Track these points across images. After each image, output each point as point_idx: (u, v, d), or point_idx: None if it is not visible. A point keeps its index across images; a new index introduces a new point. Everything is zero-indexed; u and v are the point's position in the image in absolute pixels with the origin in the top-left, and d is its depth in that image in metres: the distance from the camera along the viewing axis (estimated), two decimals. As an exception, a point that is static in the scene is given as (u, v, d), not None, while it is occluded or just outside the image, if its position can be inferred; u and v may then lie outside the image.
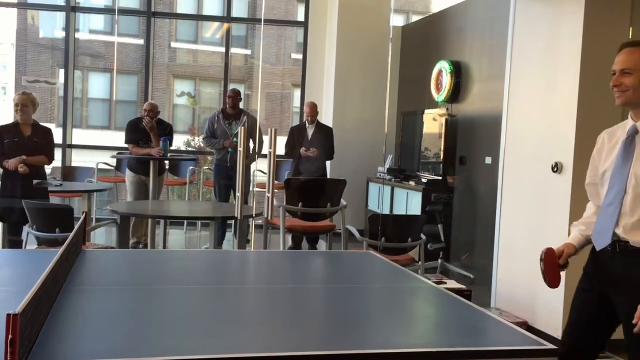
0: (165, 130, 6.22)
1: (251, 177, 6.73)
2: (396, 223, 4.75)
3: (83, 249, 2.89)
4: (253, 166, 6.55)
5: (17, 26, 11.42)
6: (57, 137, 6.58)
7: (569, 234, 2.54)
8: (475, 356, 1.72)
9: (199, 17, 12.06)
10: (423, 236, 4.56)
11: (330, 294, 2.47)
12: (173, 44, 12.37)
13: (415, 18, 10.14)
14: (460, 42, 6.56)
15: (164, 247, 5.83)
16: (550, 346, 1.77)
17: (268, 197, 3.85)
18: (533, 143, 4.33)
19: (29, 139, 4.96)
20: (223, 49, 8.66)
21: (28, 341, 1.49)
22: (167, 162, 6.62)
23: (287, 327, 1.93)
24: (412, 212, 6.24)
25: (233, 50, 9.82)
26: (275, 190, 4.27)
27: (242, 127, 4.14)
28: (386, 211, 6.78)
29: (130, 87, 11.35)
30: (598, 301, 2.35)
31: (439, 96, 6.60)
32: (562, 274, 2.44)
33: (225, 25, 8.68)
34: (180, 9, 12.21)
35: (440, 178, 6.28)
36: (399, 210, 6.63)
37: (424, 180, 6.41)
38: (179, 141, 10.81)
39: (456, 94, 6.41)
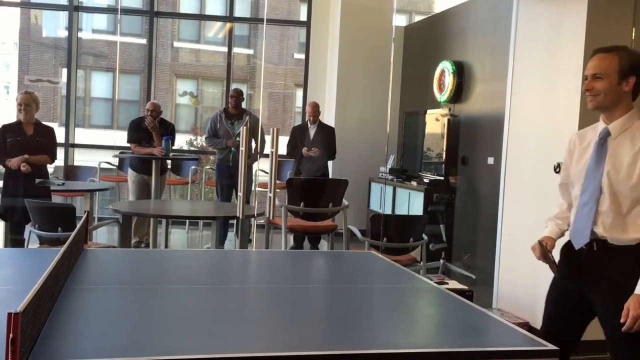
0: (168, 130, 6.23)
1: (253, 177, 6.74)
2: (398, 223, 4.75)
3: (85, 248, 2.89)
4: (255, 166, 6.55)
5: (20, 25, 11.44)
6: (60, 137, 6.58)
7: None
8: (476, 357, 1.72)
9: (201, 17, 12.07)
10: (425, 236, 4.55)
11: (332, 294, 2.47)
12: (176, 44, 12.37)
13: (418, 18, 10.12)
14: (463, 43, 6.55)
15: (166, 246, 5.83)
16: (552, 347, 1.76)
17: (270, 197, 3.85)
18: (535, 143, 4.32)
19: (32, 138, 4.97)
20: (225, 49, 8.67)
21: (29, 340, 1.49)
22: (169, 161, 6.63)
23: (289, 327, 1.93)
24: (414, 213, 6.24)
25: (235, 50, 9.82)
26: (277, 190, 4.27)
27: (245, 127, 4.14)
28: (388, 211, 6.77)
29: (133, 87, 11.37)
30: (574, 297, 2.42)
31: (442, 96, 6.59)
32: None
33: (228, 25, 8.69)
34: (182, 9, 12.22)
35: (442, 178, 6.28)
36: (401, 210, 6.63)
37: (426, 180, 6.40)
38: (181, 141, 10.81)
39: (459, 94, 6.41)
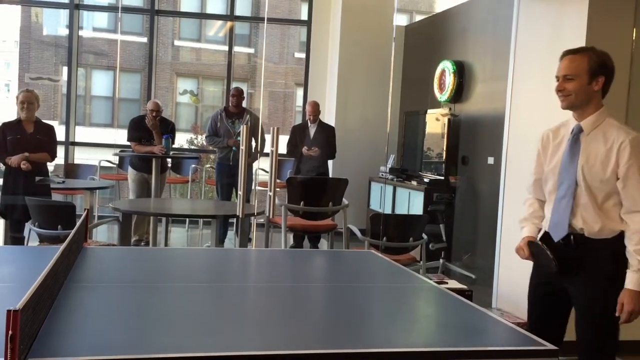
0: (168, 129, 6.22)
1: (253, 176, 6.74)
2: (398, 223, 4.75)
3: (85, 246, 2.89)
4: (255, 165, 6.55)
5: (21, 23, 11.44)
6: (60, 135, 6.59)
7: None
8: (476, 356, 1.72)
9: (202, 16, 12.07)
10: (425, 236, 4.55)
11: (332, 293, 2.47)
12: (176, 42, 12.38)
13: (418, 18, 10.12)
14: (464, 42, 6.55)
15: (166, 245, 5.83)
16: (551, 347, 1.76)
17: (270, 196, 3.85)
18: (535, 143, 4.31)
19: (32, 136, 4.97)
20: (226, 48, 8.67)
21: (28, 337, 1.49)
22: (169, 160, 6.62)
23: (288, 326, 1.93)
24: (414, 212, 6.24)
25: (236, 48, 9.83)
26: (277, 189, 4.27)
27: (245, 126, 4.14)
28: (388, 211, 6.77)
29: (134, 85, 11.37)
30: (556, 293, 2.50)
31: (442, 96, 6.59)
32: None
33: (229, 23, 8.69)
34: (183, 7, 12.23)
35: (442, 178, 6.28)
36: (401, 209, 6.63)
37: (426, 180, 6.40)
38: (181, 139, 10.82)
39: (459, 94, 6.41)
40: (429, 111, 6.78)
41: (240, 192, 4.15)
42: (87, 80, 11.40)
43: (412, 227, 4.53)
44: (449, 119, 6.29)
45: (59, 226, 4.19)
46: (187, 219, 7.33)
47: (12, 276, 2.44)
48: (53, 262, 1.93)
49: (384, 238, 4.32)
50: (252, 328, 1.89)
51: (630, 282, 2.29)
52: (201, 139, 11.07)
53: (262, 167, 6.82)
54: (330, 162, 6.77)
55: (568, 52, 2.46)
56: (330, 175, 6.85)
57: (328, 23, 8.12)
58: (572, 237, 2.39)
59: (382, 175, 7.15)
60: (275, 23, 11.11)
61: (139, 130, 6.15)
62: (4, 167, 5.00)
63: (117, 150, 6.96)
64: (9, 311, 1.35)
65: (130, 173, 6.27)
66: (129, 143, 6.29)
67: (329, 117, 7.69)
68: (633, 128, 3.78)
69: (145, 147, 6.08)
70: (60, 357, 1.50)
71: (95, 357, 1.51)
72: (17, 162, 4.82)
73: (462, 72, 6.39)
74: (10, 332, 1.34)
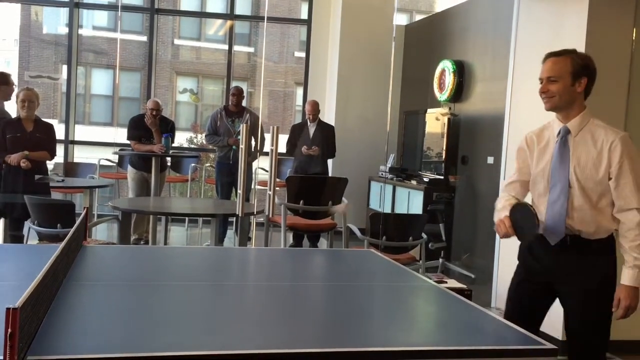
0: (168, 127, 6.22)
1: (253, 175, 6.74)
2: (397, 222, 4.75)
3: (84, 244, 2.89)
4: (255, 164, 6.55)
5: (20, 22, 11.42)
6: (60, 133, 6.58)
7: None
8: (475, 355, 1.72)
9: (202, 15, 12.06)
10: (424, 235, 4.55)
11: (331, 292, 2.47)
12: (176, 41, 12.36)
13: (418, 17, 10.12)
14: (464, 42, 6.55)
15: (165, 243, 5.83)
16: (550, 346, 1.76)
17: (269, 195, 3.85)
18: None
19: (32, 134, 4.96)
20: (226, 47, 8.66)
21: (28, 335, 1.49)
22: (169, 159, 6.62)
23: (288, 325, 1.93)
24: (414, 211, 6.24)
25: (236, 47, 9.82)
26: (277, 188, 4.27)
27: (244, 125, 4.14)
28: (388, 210, 6.77)
29: (133, 84, 11.36)
30: (541, 291, 2.50)
31: (442, 95, 6.59)
32: None
33: (229, 22, 8.69)
34: (183, 6, 12.21)
35: (442, 177, 6.28)
36: (401, 209, 6.63)
37: (425, 179, 6.40)
38: (181, 138, 10.81)
39: (459, 93, 6.40)
40: (428, 111, 6.78)
41: (239, 191, 4.15)
42: (87, 78, 11.38)
43: (412, 227, 4.53)
44: (448, 119, 6.29)
45: (59, 224, 4.19)
46: (187, 218, 7.33)
47: (12, 274, 2.44)
48: (52, 260, 1.93)
49: (384, 237, 4.32)
50: (252, 327, 1.89)
51: (626, 278, 2.33)
52: (201, 138, 11.06)
53: (262, 166, 6.82)
54: (330, 161, 6.77)
55: (551, 55, 2.49)
56: (330, 175, 6.85)
57: (328, 22, 8.12)
58: (568, 238, 2.40)
59: (382, 174, 7.15)
60: (275, 22, 11.10)
61: (138, 129, 6.14)
62: (3, 165, 4.99)
63: (117, 149, 6.96)
64: (8, 309, 1.35)
65: (130, 172, 6.26)
66: (128, 142, 6.29)
67: (328, 116, 7.69)
68: (633, 127, 3.79)
69: (145, 146, 6.08)
70: (59, 355, 1.50)
71: (95, 355, 1.51)
72: (17, 161, 4.82)
73: (462, 71, 6.39)
74: (9, 330, 1.34)
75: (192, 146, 11.17)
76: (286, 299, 2.28)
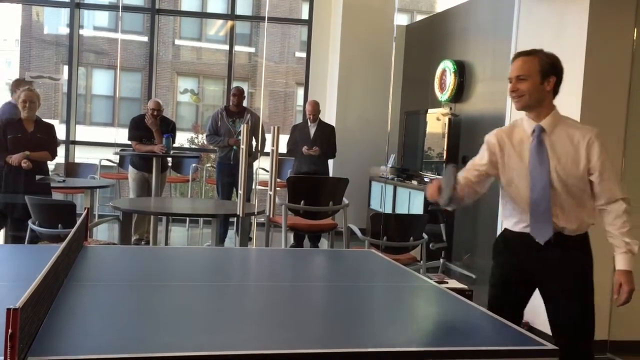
0: (169, 128, 6.22)
1: (254, 175, 6.73)
2: (398, 222, 4.74)
3: (85, 245, 2.89)
4: (256, 164, 6.55)
5: (21, 22, 11.44)
6: (61, 134, 6.59)
7: None
8: (476, 356, 1.72)
9: (203, 15, 12.07)
10: (425, 235, 4.55)
11: (332, 292, 2.47)
12: (177, 42, 12.38)
13: (419, 17, 10.12)
14: (465, 42, 6.55)
15: (166, 244, 5.83)
16: (551, 346, 1.76)
17: (270, 195, 3.85)
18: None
19: (32, 134, 4.96)
20: (227, 47, 8.66)
21: (28, 336, 1.49)
22: (169, 159, 6.62)
23: (289, 325, 1.93)
24: (414, 212, 6.23)
25: (237, 48, 9.83)
26: (278, 189, 4.27)
27: (245, 125, 4.14)
28: (388, 210, 6.77)
29: (134, 84, 11.37)
30: (522, 287, 2.55)
31: (443, 96, 6.59)
32: None
33: (229, 23, 8.69)
34: (184, 7, 12.23)
35: (443, 178, 6.26)
36: (401, 209, 6.63)
37: (426, 179, 6.40)
38: (182, 138, 10.82)
39: (460, 93, 6.40)
40: (429, 111, 6.78)
41: (240, 192, 4.15)
42: (88, 79, 11.40)
43: (413, 227, 4.52)
44: (449, 119, 6.29)
45: (59, 225, 4.19)
46: (188, 218, 7.33)
47: (12, 275, 2.44)
48: (53, 260, 1.93)
49: (385, 237, 4.32)
50: (253, 327, 1.89)
51: (622, 263, 2.39)
52: (202, 138, 11.07)
53: (263, 167, 6.82)
54: (330, 162, 6.77)
55: (520, 54, 2.52)
56: (331, 175, 6.85)
57: (329, 22, 8.12)
58: (552, 236, 2.43)
59: (383, 174, 7.14)
60: (276, 22, 11.11)
61: (139, 129, 6.14)
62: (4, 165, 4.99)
63: (118, 149, 6.96)
64: (8, 310, 1.35)
65: (131, 172, 6.27)
66: (129, 142, 6.29)
67: (329, 116, 7.69)
68: (635, 127, 3.78)
69: (146, 146, 6.08)
70: (60, 356, 1.50)
71: (95, 355, 1.51)
72: (18, 161, 4.82)
73: (462, 71, 6.38)
74: (10, 330, 1.34)
75: (193, 146, 11.18)
76: (287, 299, 2.28)
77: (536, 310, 4.26)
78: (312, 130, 6.47)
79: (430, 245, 5.67)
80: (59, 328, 1.70)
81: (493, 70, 5.93)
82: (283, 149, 6.57)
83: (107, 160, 7.54)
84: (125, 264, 2.78)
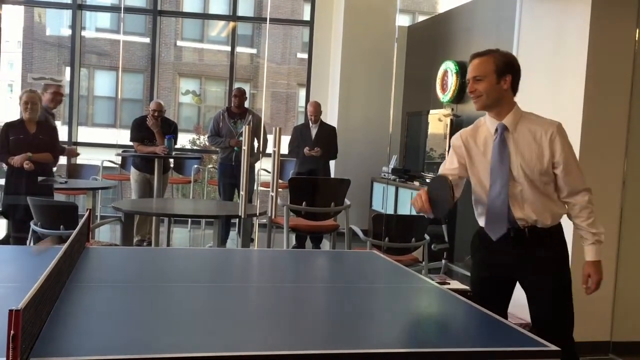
0: (170, 129, 6.23)
1: (255, 176, 6.73)
2: (400, 223, 4.74)
3: (87, 246, 2.89)
4: (257, 165, 6.55)
5: (24, 24, 11.46)
6: (63, 135, 6.60)
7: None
8: (478, 357, 1.72)
9: (205, 16, 12.07)
10: (427, 237, 4.54)
11: (334, 293, 2.47)
12: (179, 43, 12.39)
13: (421, 18, 10.12)
14: (466, 43, 6.54)
15: (168, 245, 5.84)
16: (554, 348, 1.76)
17: (272, 196, 3.85)
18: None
19: (35, 136, 4.97)
20: (229, 48, 8.67)
21: (30, 337, 1.49)
22: (171, 160, 6.63)
23: (290, 326, 1.93)
24: (416, 213, 6.22)
25: (239, 49, 9.82)
26: (280, 190, 4.27)
27: (247, 126, 4.14)
28: (390, 211, 6.77)
29: (136, 86, 11.38)
30: (503, 283, 2.60)
31: (445, 96, 6.59)
32: None
33: (231, 24, 8.69)
34: (186, 8, 12.24)
35: (444, 178, 6.26)
36: (403, 210, 6.62)
37: (428, 180, 6.39)
38: (184, 140, 10.83)
39: (462, 94, 6.40)
40: (431, 112, 6.78)
41: (242, 193, 4.16)
42: (90, 80, 11.41)
43: (415, 228, 4.52)
44: (451, 120, 6.28)
45: (62, 226, 4.19)
46: (190, 219, 7.33)
47: (14, 276, 2.44)
48: (55, 261, 1.93)
49: (386, 238, 4.32)
50: (255, 328, 1.89)
51: (590, 254, 2.47)
52: (203, 139, 11.08)
53: (265, 168, 6.82)
54: (332, 163, 6.77)
55: (475, 55, 2.56)
56: (332, 176, 6.85)
57: (330, 23, 8.12)
58: (526, 230, 2.48)
59: (385, 175, 7.14)
60: (278, 23, 11.12)
61: (141, 130, 6.15)
62: (6, 167, 5.00)
63: (120, 151, 6.97)
64: (10, 311, 1.35)
65: (133, 173, 6.27)
66: (131, 143, 6.30)
67: (331, 117, 7.70)
68: (637, 127, 3.78)
69: (148, 148, 6.09)
70: (62, 357, 1.50)
71: (98, 357, 1.51)
72: (20, 162, 4.83)
73: (464, 72, 6.35)
74: (12, 331, 1.34)
75: (195, 147, 11.19)
76: (289, 300, 2.28)
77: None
78: (314, 131, 6.48)
79: (432, 246, 5.66)
80: (61, 329, 1.71)
81: (495, 71, 5.91)
82: (285, 149, 6.57)
83: (109, 161, 7.55)
84: (127, 265, 2.78)
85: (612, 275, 3.96)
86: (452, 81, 6.43)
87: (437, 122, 6.61)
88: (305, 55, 8.65)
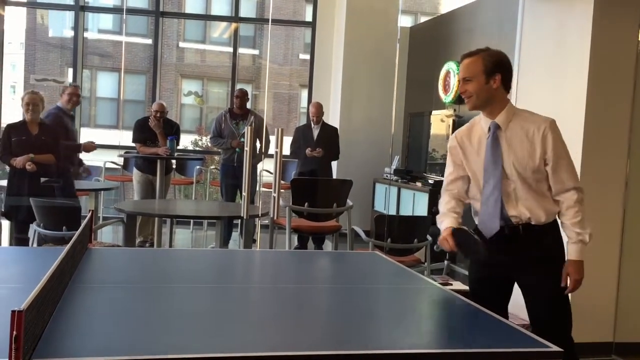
0: (173, 130, 6.23)
1: (258, 177, 6.73)
2: (402, 224, 4.73)
3: (89, 247, 2.90)
4: (260, 166, 6.55)
5: (26, 25, 11.48)
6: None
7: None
8: (480, 358, 1.72)
9: (207, 17, 12.09)
10: (429, 237, 4.54)
11: (336, 294, 2.47)
12: (181, 44, 12.40)
13: (423, 19, 10.12)
14: (468, 43, 6.54)
15: (170, 246, 5.84)
16: (556, 348, 1.76)
17: (274, 197, 3.85)
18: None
19: (37, 137, 4.98)
20: (231, 49, 8.68)
21: (33, 338, 1.49)
22: (174, 161, 6.63)
23: (293, 327, 1.93)
24: (419, 213, 6.23)
25: (241, 50, 9.83)
26: (282, 190, 4.28)
27: (249, 127, 4.14)
28: (392, 212, 6.76)
29: (138, 87, 11.39)
30: (501, 283, 2.59)
31: (447, 97, 6.58)
32: None
33: (233, 25, 8.70)
34: (188, 9, 12.24)
35: (447, 179, 6.26)
36: (406, 211, 6.62)
37: (430, 181, 6.39)
38: (186, 141, 10.83)
39: (464, 95, 6.39)
40: (433, 112, 6.78)
41: (244, 194, 4.16)
42: (92, 81, 11.42)
43: (417, 229, 4.52)
44: (453, 120, 6.28)
45: (64, 227, 4.20)
46: (192, 220, 7.34)
47: (17, 277, 2.45)
48: (57, 263, 1.93)
49: (389, 239, 4.32)
50: (257, 329, 1.89)
51: (573, 253, 2.45)
52: (206, 141, 11.09)
53: (267, 169, 6.83)
54: (334, 163, 6.77)
55: (464, 56, 2.59)
56: (334, 177, 6.85)
57: (332, 24, 8.12)
58: (520, 227, 2.48)
59: (387, 176, 7.14)
60: (280, 24, 11.12)
61: (143, 131, 6.15)
62: (8, 168, 5.01)
63: (122, 152, 6.97)
64: (13, 312, 1.35)
65: (135, 174, 6.28)
66: (134, 144, 6.30)
67: (333, 118, 7.70)
68: (638, 125, 3.75)
69: (150, 149, 6.09)
70: (64, 358, 1.50)
71: (100, 357, 1.51)
72: (22, 163, 4.84)
73: (466, 73, 6.37)
74: (14, 332, 1.34)
75: (197, 149, 11.20)
76: (291, 301, 2.28)
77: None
78: (316, 132, 6.48)
79: (435, 247, 5.65)
80: (64, 330, 1.71)
81: (497, 71, 5.91)
82: (287, 150, 6.58)
83: (112, 162, 7.56)
84: (129, 266, 2.79)
85: (615, 276, 3.95)
86: (454, 82, 6.42)
87: (440, 122, 6.61)
88: (308, 56, 8.65)
